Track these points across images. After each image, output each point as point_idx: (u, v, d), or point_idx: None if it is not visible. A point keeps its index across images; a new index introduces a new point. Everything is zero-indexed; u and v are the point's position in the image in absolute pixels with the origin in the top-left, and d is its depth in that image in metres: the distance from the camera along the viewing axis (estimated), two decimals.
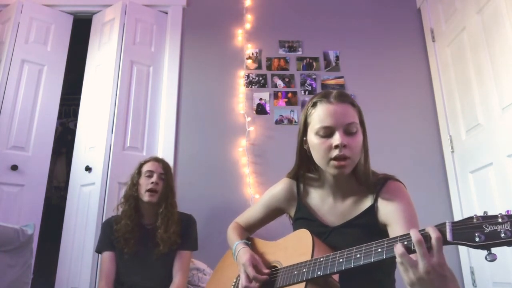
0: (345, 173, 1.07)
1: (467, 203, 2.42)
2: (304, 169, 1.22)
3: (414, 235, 0.78)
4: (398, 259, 0.79)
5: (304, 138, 1.14)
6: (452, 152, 2.59)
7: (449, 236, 0.76)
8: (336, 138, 1.03)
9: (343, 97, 1.08)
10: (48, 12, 3.01)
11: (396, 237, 0.85)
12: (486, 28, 2.23)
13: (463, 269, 2.43)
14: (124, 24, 2.88)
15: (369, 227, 1.07)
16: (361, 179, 1.11)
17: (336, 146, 1.03)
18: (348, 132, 1.05)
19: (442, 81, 2.73)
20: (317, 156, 1.09)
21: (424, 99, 2.83)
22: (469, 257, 2.39)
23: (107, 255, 1.84)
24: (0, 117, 2.66)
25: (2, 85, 2.72)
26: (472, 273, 2.35)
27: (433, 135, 2.74)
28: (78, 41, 3.12)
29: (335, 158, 1.04)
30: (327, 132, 1.05)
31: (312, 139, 1.09)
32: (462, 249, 2.45)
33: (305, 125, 1.13)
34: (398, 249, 0.79)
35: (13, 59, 2.79)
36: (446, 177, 2.63)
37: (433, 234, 0.77)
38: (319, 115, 1.07)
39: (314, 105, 1.11)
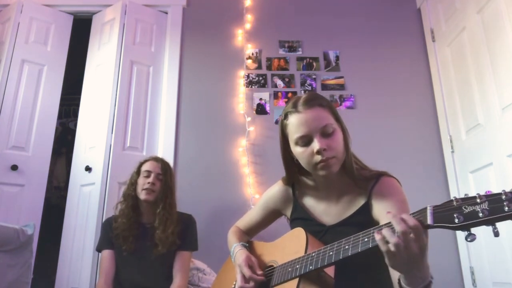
0: (334, 172, 1.07)
1: None
2: (297, 173, 1.23)
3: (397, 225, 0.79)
4: (382, 247, 0.79)
5: (289, 149, 1.15)
6: (452, 152, 2.60)
7: (429, 220, 0.77)
8: (315, 145, 1.04)
9: (310, 102, 1.08)
10: (48, 12, 3.01)
11: (381, 226, 0.85)
12: (486, 28, 2.23)
13: (463, 269, 2.43)
14: (124, 24, 2.88)
15: (364, 224, 1.06)
16: (349, 175, 1.12)
17: (318, 152, 1.04)
18: (325, 134, 1.06)
19: (442, 81, 2.73)
20: (304, 164, 1.11)
21: (424, 99, 2.83)
22: (469, 257, 2.39)
23: (106, 253, 1.84)
24: (0, 117, 2.66)
25: (2, 85, 2.72)
26: (472, 273, 2.35)
27: (433, 135, 2.74)
28: (78, 41, 3.12)
29: (320, 162, 1.05)
30: (305, 141, 1.07)
31: (294, 149, 1.11)
32: (462, 249, 2.45)
33: (285, 137, 1.14)
34: (386, 233, 0.79)
35: (13, 59, 2.79)
36: (446, 177, 2.63)
37: (411, 219, 0.79)
38: (293, 126, 1.09)
39: (286, 117, 1.12)
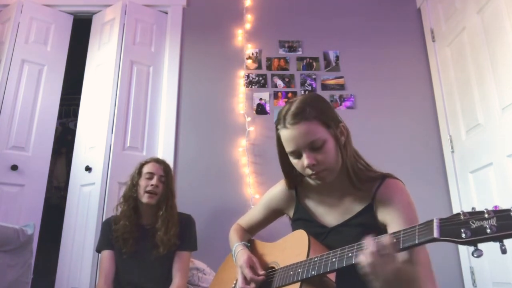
0: (328, 181, 1.09)
1: (467, 203, 2.42)
2: (299, 175, 1.22)
3: (369, 245, 0.82)
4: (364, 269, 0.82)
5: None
6: (452, 152, 2.59)
7: (436, 233, 0.76)
8: (304, 161, 1.05)
9: (297, 118, 1.05)
10: (48, 12, 3.01)
11: (380, 237, 0.86)
12: (486, 28, 2.23)
13: (463, 269, 2.43)
14: (124, 24, 2.88)
15: (367, 226, 1.06)
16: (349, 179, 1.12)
17: (307, 167, 1.05)
18: (313, 149, 1.05)
19: (442, 81, 2.73)
20: (301, 172, 1.12)
21: (424, 99, 2.83)
22: (469, 257, 2.39)
23: (106, 254, 1.84)
24: (0, 117, 2.66)
25: (2, 85, 2.71)
26: (472, 273, 2.35)
27: (433, 135, 2.74)
28: (78, 41, 3.12)
29: (312, 175, 1.07)
30: (296, 154, 1.08)
31: (290, 159, 1.12)
32: (462, 249, 2.45)
33: (281, 146, 1.13)
34: (364, 258, 0.82)
35: (13, 59, 2.79)
36: (446, 177, 2.63)
37: (385, 240, 0.82)
38: (283, 139, 1.09)
39: (277, 129, 1.12)
